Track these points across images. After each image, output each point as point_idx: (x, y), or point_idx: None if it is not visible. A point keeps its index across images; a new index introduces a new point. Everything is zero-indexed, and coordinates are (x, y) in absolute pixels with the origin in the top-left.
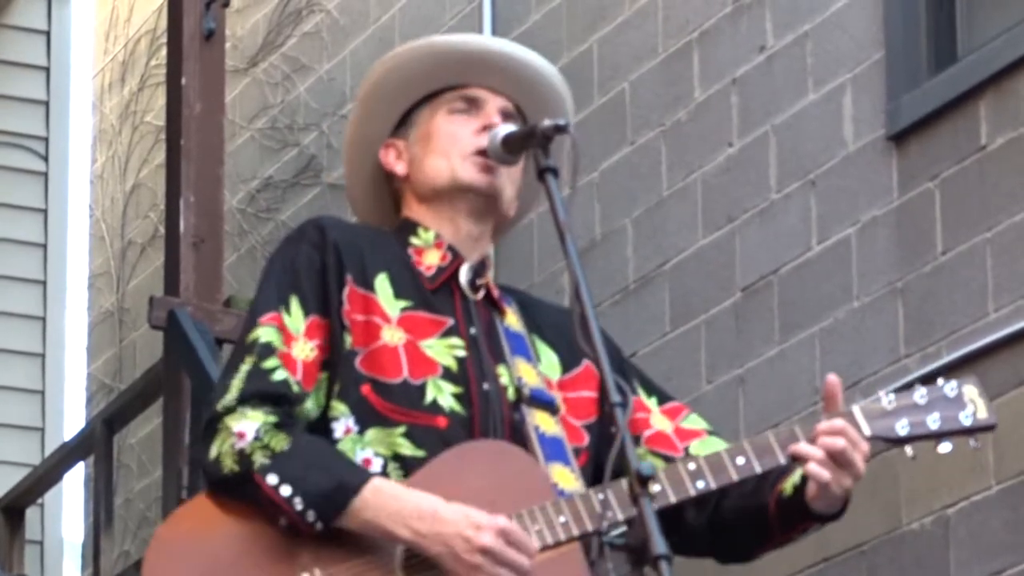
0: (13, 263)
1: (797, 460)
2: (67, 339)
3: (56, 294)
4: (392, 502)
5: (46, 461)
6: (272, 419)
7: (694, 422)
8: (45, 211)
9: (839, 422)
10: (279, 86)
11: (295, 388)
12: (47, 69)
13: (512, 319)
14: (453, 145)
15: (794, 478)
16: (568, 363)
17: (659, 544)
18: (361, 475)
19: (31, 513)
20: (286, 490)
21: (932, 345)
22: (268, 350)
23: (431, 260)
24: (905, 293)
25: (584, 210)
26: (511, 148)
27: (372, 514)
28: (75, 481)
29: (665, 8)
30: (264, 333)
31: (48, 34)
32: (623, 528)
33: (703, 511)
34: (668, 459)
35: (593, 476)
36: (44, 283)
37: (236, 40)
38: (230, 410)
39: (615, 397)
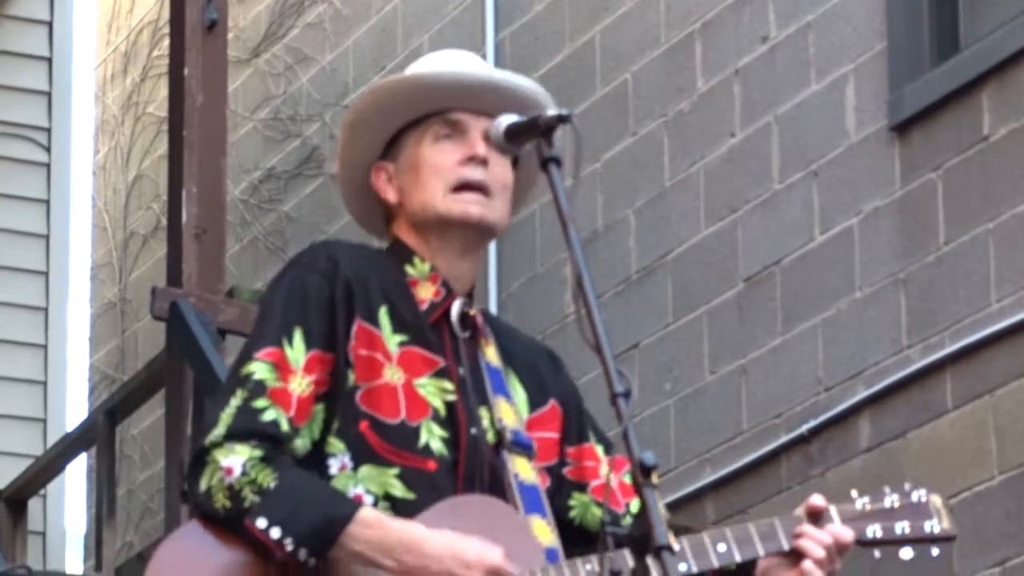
0: (16, 254)
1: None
2: (69, 330)
3: (58, 285)
4: (378, 534)
5: (48, 452)
6: (258, 453)
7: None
8: (47, 202)
9: (827, 536)
10: (281, 77)
11: (285, 427)
12: (49, 60)
13: (491, 352)
14: (438, 179)
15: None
16: (535, 401)
17: (662, 534)
18: (348, 507)
19: (34, 504)
20: (276, 532)
21: (934, 335)
22: (260, 388)
23: (424, 294)
24: (907, 283)
25: (587, 200)
26: (514, 138)
27: (360, 547)
28: (77, 472)
29: None
30: (259, 369)
31: (50, 25)
32: (628, 519)
33: None
34: (610, 511)
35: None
36: (47, 274)
37: (238, 31)
38: (217, 445)
39: (618, 387)
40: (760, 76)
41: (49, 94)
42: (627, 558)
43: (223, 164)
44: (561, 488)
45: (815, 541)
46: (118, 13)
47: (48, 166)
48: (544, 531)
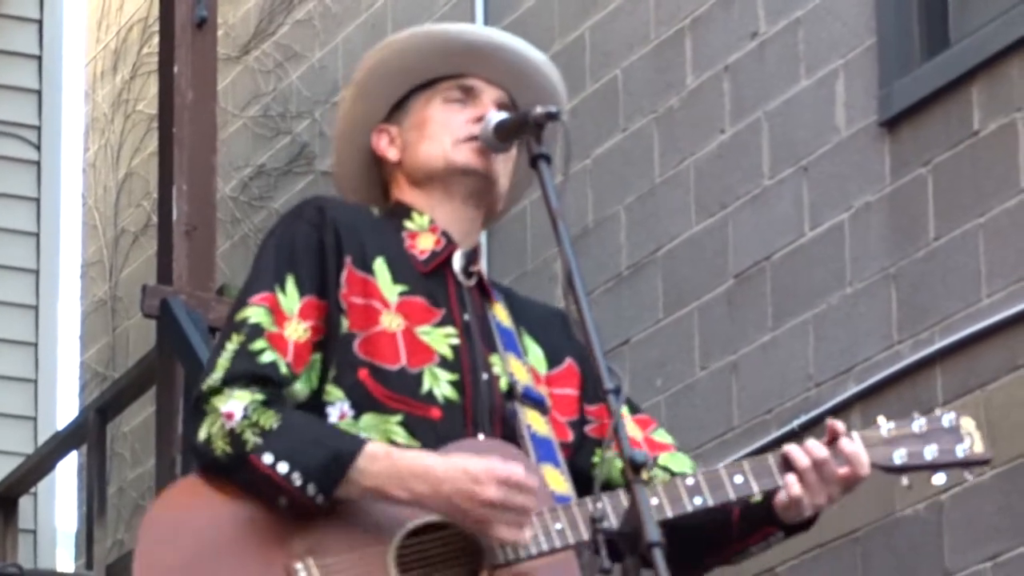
0: (6, 252)
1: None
2: (60, 328)
3: (49, 283)
4: (388, 465)
5: (39, 450)
6: (259, 397)
7: (662, 436)
8: (38, 200)
9: (844, 441)
10: (271, 74)
11: (283, 370)
12: (39, 58)
13: (501, 312)
14: (446, 131)
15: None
16: (552, 359)
17: (652, 532)
18: (355, 442)
19: (24, 502)
20: (283, 467)
21: (925, 331)
22: (257, 331)
23: (425, 244)
24: (898, 279)
25: (577, 197)
26: (503, 135)
27: (371, 481)
28: (68, 470)
29: None
30: (254, 313)
31: (40, 23)
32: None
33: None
34: (633, 460)
35: (574, 473)
36: (37, 272)
37: (228, 28)
38: (216, 391)
39: (609, 384)
40: (750, 72)
41: (39, 92)
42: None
43: (213, 161)
44: (583, 445)
45: (805, 451)
46: (108, 11)
47: (38, 164)
48: (557, 480)
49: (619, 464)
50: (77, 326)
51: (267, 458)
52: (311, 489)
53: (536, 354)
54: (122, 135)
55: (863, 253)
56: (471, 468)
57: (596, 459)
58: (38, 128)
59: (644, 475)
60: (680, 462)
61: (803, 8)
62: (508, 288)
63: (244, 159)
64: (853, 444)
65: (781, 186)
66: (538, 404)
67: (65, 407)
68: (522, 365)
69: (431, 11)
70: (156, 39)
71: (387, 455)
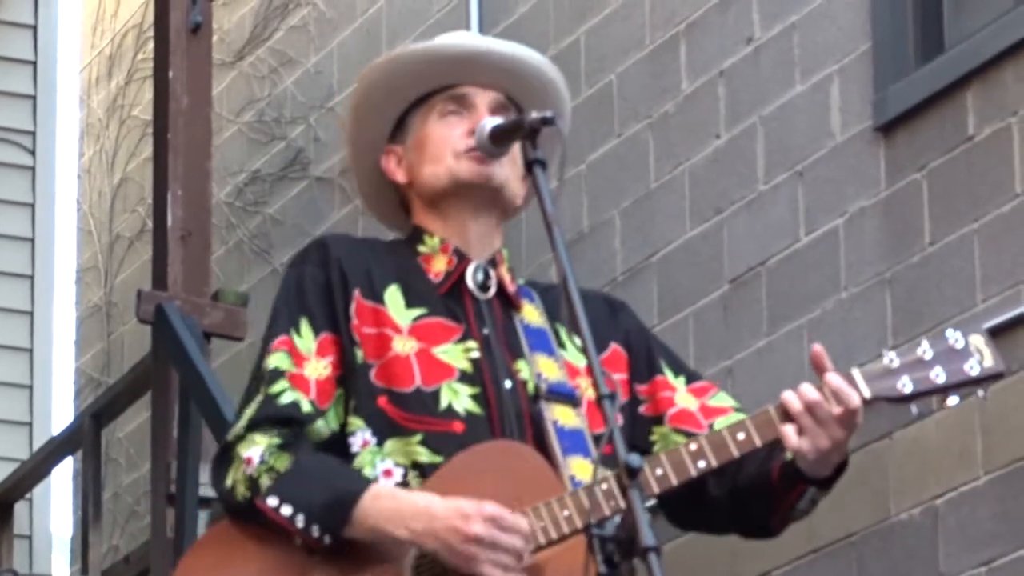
0: (1, 257)
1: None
2: (55, 333)
3: (44, 288)
4: (390, 505)
5: (34, 456)
6: (277, 441)
7: (721, 400)
8: (33, 205)
9: (830, 379)
10: (266, 79)
11: (306, 408)
12: (34, 63)
13: (531, 313)
14: (446, 147)
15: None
16: (596, 348)
17: (648, 536)
18: (360, 483)
19: (20, 508)
20: (287, 510)
21: (920, 335)
22: (277, 374)
23: (439, 266)
24: (893, 284)
25: (572, 202)
26: (498, 141)
27: (374, 521)
28: (63, 476)
29: (652, 0)
30: (274, 360)
31: (35, 28)
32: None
33: (723, 483)
34: (691, 435)
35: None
36: (32, 277)
37: (223, 34)
38: (240, 438)
39: (604, 389)
40: (745, 77)
41: (34, 98)
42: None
43: (208, 167)
44: (637, 427)
45: (798, 395)
46: (102, 17)
47: (33, 170)
48: (585, 469)
49: (677, 439)
50: (72, 331)
51: (271, 501)
52: (315, 531)
53: (577, 345)
54: (117, 140)
55: (858, 258)
56: (464, 506)
57: (654, 437)
58: (33, 134)
59: (641, 480)
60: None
61: (798, 13)
62: (546, 283)
63: (239, 164)
64: (835, 378)
65: (776, 191)
66: (567, 398)
67: (60, 412)
68: (553, 362)
69: (425, 17)
70: (151, 45)
71: (391, 496)
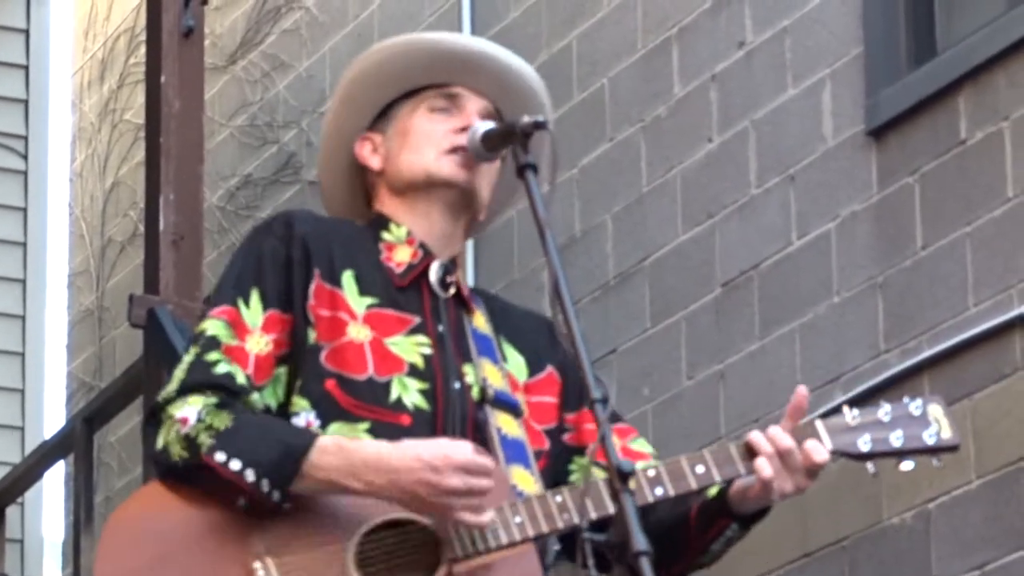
0: None
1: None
2: (47, 337)
3: (36, 292)
4: (341, 458)
5: (26, 460)
6: (213, 400)
7: (641, 445)
8: (25, 209)
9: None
10: (258, 83)
11: (240, 380)
12: (26, 67)
13: (480, 320)
14: (429, 142)
15: (720, 484)
16: (533, 367)
17: (640, 541)
18: (306, 436)
19: (11, 512)
20: (236, 464)
21: (912, 340)
22: (213, 343)
23: (401, 257)
24: (885, 288)
25: (564, 206)
26: (490, 145)
27: (324, 474)
28: (55, 480)
29: (644, 4)
30: (212, 326)
31: (27, 32)
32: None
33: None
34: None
35: (552, 481)
36: (24, 282)
37: (215, 37)
38: (171, 400)
39: (596, 393)
40: (737, 81)
41: (26, 102)
42: (603, 492)
43: (200, 171)
44: (561, 455)
45: (769, 439)
46: (95, 21)
47: (25, 174)
48: (526, 480)
49: (597, 472)
50: (64, 336)
51: (219, 456)
52: (265, 485)
53: (516, 361)
54: (109, 145)
55: (850, 262)
56: (425, 456)
57: (573, 467)
58: (25, 138)
59: (631, 484)
60: None
61: (790, 17)
62: (494, 295)
63: (231, 169)
64: (809, 436)
65: (768, 195)
66: (510, 407)
67: (52, 417)
68: (498, 371)
69: (418, 20)
70: (143, 49)
71: (338, 447)
